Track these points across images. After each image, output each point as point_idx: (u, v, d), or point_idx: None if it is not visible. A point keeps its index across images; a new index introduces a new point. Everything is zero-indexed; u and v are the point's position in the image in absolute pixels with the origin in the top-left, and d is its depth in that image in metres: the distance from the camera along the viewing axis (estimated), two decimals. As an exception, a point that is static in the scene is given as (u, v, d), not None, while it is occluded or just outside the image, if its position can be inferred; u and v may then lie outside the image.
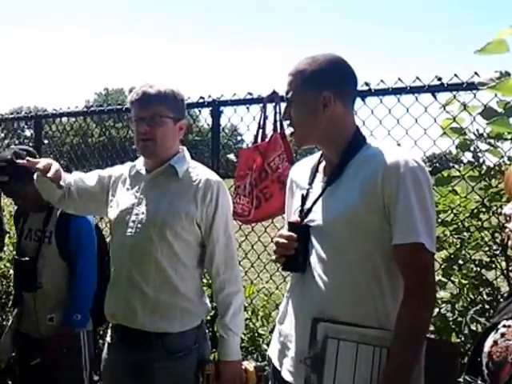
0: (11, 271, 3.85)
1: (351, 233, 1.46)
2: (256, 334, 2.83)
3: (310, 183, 1.60)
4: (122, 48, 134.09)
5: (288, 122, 1.59)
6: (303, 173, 1.67)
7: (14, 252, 3.78)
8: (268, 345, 2.75)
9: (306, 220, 1.55)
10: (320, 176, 1.60)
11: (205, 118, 2.87)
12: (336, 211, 1.48)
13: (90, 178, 2.11)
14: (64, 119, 3.97)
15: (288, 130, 1.65)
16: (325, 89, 1.50)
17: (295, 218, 1.58)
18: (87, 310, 2.40)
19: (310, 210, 1.54)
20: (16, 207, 2.64)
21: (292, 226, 1.56)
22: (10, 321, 2.55)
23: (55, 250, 2.41)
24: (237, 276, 1.98)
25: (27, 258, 2.41)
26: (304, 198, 1.58)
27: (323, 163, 1.61)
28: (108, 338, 2.05)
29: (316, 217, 1.53)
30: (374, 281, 1.46)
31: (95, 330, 2.65)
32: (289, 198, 1.74)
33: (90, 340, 2.50)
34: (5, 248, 3.66)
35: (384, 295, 1.46)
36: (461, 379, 1.29)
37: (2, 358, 2.55)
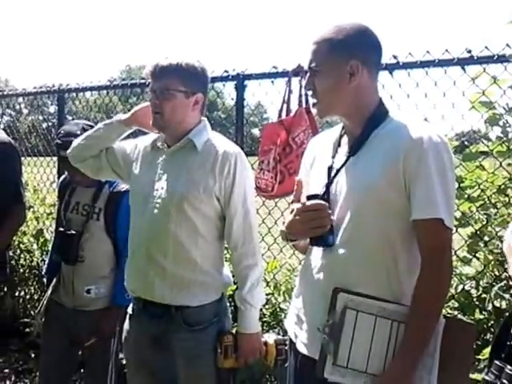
0: (34, 246, 3.95)
1: (371, 206, 1.45)
2: (278, 309, 2.84)
3: (333, 156, 1.58)
4: (144, 23, 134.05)
5: (311, 92, 1.56)
6: (324, 146, 1.65)
7: (35, 224, 3.88)
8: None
9: (329, 192, 1.52)
10: (343, 150, 1.57)
11: (229, 92, 2.87)
12: (357, 184, 1.47)
13: (122, 147, 2.12)
14: (88, 96, 4.00)
15: (311, 101, 1.61)
16: (352, 58, 1.47)
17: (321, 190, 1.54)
18: None
19: (331, 182, 1.52)
20: (61, 179, 2.62)
21: (310, 197, 1.51)
22: (48, 291, 2.58)
23: (102, 226, 2.40)
24: (254, 249, 1.96)
25: (73, 232, 2.40)
26: (329, 172, 1.56)
27: (345, 137, 1.59)
28: (129, 310, 2.08)
29: (337, 189, 1.51)
30: (391, 255, 1.46)
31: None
32: (303, 172, 1.72)
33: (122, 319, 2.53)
34: (28, 222, 3.75)
35: (400, 270, 1.46)
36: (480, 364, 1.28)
37: (39, 325, 2.60)
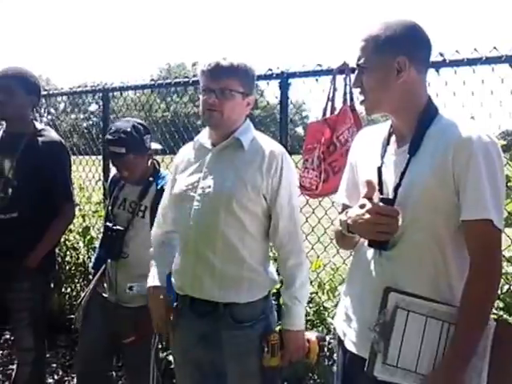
0: (80, 243, 4.03)
1: (422, 207, 1.44)
2: (321, 308, 2.84)
3: (383, 156, 1.57)
4: (183, 21, 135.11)
5: (359, 89, 1.55)
6: (371, 144, 1.64)
7: (81, 222, 3.95)
8: (333, 318, 2.78)
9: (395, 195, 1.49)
10: (392, 148, 1.56)
11: (265, 90, 2.84)
12: (410, 184, 1.46)
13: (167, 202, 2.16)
14: (129, 94, 4.04)
15: (359, 98, 1.60)
16: (399, 54, 1.46)
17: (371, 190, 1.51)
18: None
19: (399, 184, 1.49)
20: (112, 175, 2.66)
21: (385, 201, 1.48)
22: (91, 284, 2.64)
23: (147, 224, 2.41)
24: (300, 247, 1.98)
25: (119, 228, 2.44)
26: (380, 171, 1.55)
27: (393, 135, 1.58)
28: (176, 307, 2.09)
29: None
30: (441, 256, 1.45)
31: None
32: (349, 169, 1.73)
33: None
34: (75, 220, 3.81)
35: (449, 271, 1.45)
36: None
37: (81, 318, 2.64)
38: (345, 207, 1.71)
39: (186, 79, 3.35)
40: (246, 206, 1.89)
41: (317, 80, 2.66)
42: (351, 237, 1.62)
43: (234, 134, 1.95)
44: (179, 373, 2.15)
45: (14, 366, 3.27)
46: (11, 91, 2.60)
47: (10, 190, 2.61)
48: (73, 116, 5.44)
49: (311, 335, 2.03)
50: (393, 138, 1.58)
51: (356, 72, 1.55)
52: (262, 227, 1.96)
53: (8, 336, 3.70)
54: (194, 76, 3.27)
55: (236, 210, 1.89)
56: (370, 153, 1.62)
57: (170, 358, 3.10)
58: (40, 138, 2.67)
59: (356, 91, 2.04)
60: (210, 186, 1.93)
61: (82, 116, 5.74)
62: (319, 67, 2.62)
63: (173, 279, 2.08)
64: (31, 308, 2.62)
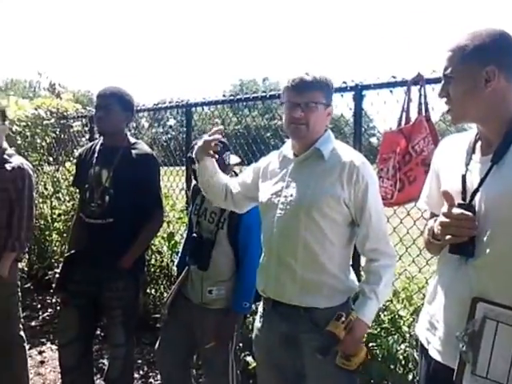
0: (165, 247, 4.25)
1: (509, 216, 1.42)
2: (396, 316, 2.86)
3: (468, 164, 1.55)
4: (255, 38, 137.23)
5: (445, 99, 1.56)
6: (455, 151, 1.63)
7: (165, 228, 4.14)
8: (409, 327, 2.80)
9: (473, 201, 1.49)
10: (477, 156, 1.55)
11: (335, 104, 2.91)
12: (497, 193, 1.44)
13: (246, 178, 2.31)
14: (204, 109, 4.22)
15: (445, 108, 1.61)
16: (488, 63, 1.45)
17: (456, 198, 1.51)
18: (252, 297, 2.52)
19: (476, 190, 1.49)
20: (193, 184, 2.83)
21: (461, 206, 1.47)
22: (176, 284, 2.82)
23: (226, 234, 2.59)
24: (392, 251, 2.02)
25: (206, 239, 2.60)
26: (464, 179, 1.54)
27: (479, 143, 1.57)
28: (260, 309, 2.21)
29: (479, 198, 1.49)
30: None
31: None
32: (432, 176, 1.73)
33: (241, 322, 2.69)
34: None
35: None
36: None
37: (166, 317, 2.83)
38: (432, 215, 1.72)
39: (264, 93, 3.50)
40: (326, 213, 1.96)
41: (391, 91, 2.71)
42: (438, 244, 1.61)
43: (315, 144, 2.03)
44: (261, 373, 2.24)
45: (105, 361, 3.53)
46: (109, 108, 2.83)
47: (107, 198, 2.83)
48: (153, 130, 5.72)
49: (362, 344, 2.02)
50: (478, 146, 1.57)
51: (442, 82, 1.56)
52: (343, 235, 2.02)
53: (98, 332, 3.95)
54: (264, 92, 3.45)
55: (316, 217, 1.96)
56: (455, 160, 1.61)
57: (249, 358, 3.25)
58: (134, 151, 2.89)
59: (432, 100, 2.06)
60: (291, 195, 2.03)
61: (161, 130, 6.01)
62: (393, 79, 2.68)
63: (257, 282, 2.18)
64: (124, 306, 2.82)
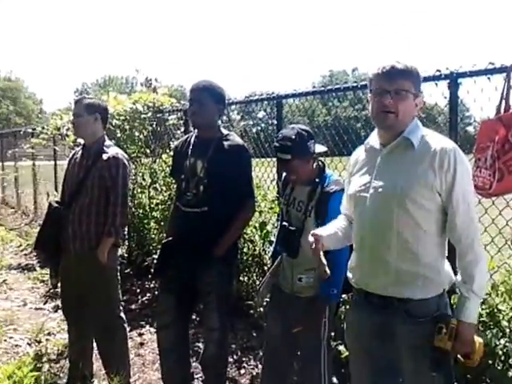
0: (257, 236, 4.35)
1: None
2: (495, 310, 2.76)
3: None
4: (345, 28, 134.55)
5: None
6: None
7: (257, 217, 4.24)
8: (509, 321, 2.70)
9: None
10: None
11: (429, 92, 2.85)
12: None
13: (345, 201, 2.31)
14: (293, 101, 4.25)
15: None
16: None
17: None
18: (341, 284, 2.52)
19: None
20: (284, 176, 2.88)
21: None
22: (268, 274, 2.91)
23: (314, 223, 2.60)
24: (478, 243, 1.96)
25: (296, 228, 2.65)
26: None
27: None
28: (352, 299, 2.24)
29: None
30: None
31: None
32: None
33: (333, 310, 2.69)
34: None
35: None
36: None
37: (260, 303, 2.93)
38: None
39: (355, 84, 3.46)
40: (419, 203, 1.93)
41: (489, 78, 2.61)
42: None
43: (402, 133, 2.00)
44: (354, 362, 2.25)
45: (201, 344, 3.69)
46: (202, 102, 2.93)
47: (202, 188, 2.95)
48: (244, 122, 5.84)
49: (476, 338, 1.98)
50: None
51: None
52: (437, 223, 1.97)
53: (194, 317, 4.13)
54: (356, 81, 3.43)
55: (409, 207, 1.93)
56: None
57: (341, 347, 3.27)
58: (226, 142, 2.98)
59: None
60: (381, 186, 2.01)
61: (251, 122, 6.12)
62: (491, 65, 2.57)
63: (349, 273, 2.19)
64: (218, 292, 2.94)
